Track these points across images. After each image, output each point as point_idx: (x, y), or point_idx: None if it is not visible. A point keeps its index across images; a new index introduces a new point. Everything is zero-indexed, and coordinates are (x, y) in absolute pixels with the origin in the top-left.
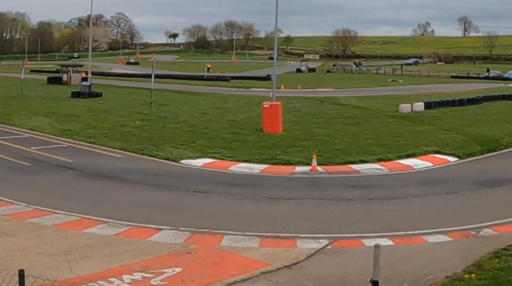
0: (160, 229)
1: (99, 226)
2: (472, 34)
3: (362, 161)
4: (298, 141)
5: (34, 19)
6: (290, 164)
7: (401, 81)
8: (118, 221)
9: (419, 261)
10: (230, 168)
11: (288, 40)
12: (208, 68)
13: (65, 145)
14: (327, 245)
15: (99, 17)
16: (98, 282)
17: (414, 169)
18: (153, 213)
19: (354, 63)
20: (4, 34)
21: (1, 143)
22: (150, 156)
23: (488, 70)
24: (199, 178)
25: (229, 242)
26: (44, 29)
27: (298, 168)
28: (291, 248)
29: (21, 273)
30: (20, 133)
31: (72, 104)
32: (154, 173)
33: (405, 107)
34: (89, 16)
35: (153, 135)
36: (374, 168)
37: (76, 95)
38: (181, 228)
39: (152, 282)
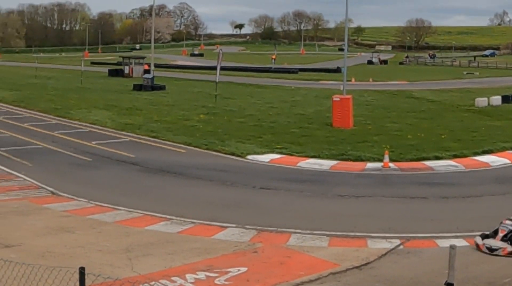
0: (225, 227)
1: (162, 223)
2: None
3: (436, 158)
4: (369, 136)
5: (95, 10)
6: (361, 160)
7: (477, 73)
8: (181, 218)
9: (495, 263)
10: (298, 164)
11: (359, 30)
12: (274, 59)
13: (127, 140)
14: (399, 245)
15: (161, 7)
16: (160, 281)
17: (491, 166)
18: (217, 210)
19: (428, 55)
20: (64, 25)
21: (61, 138)
22: (215, 151)
23: None
24: (266, 174)
25: (297, 241)
26: (105, 20)
27: (369, 165)
28: (362, 248)
29: (82, 271)
30: (81, 127)
31: (134, 97)
32: (219, 169)
33: (481, 101)
34: (151, 7)
35: (218, 130)
36: (449, 164)
37: (138, 88)
38: (247, 226)
39: (216, 281)
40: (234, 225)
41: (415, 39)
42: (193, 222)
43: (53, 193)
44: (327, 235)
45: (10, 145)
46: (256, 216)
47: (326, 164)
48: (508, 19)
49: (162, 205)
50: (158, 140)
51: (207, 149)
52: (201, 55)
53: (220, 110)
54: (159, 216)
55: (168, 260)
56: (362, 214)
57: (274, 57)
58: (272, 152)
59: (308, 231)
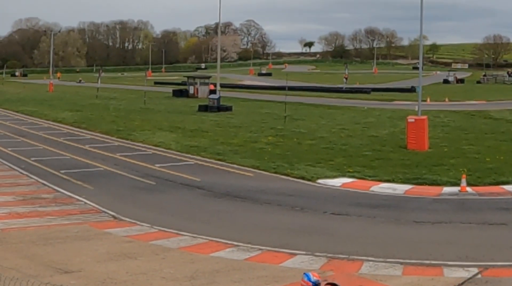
0: (294, 254)
1: (228, 250)
2: None
3: None
4: (446, 159)
5: (158, 28)
6: (437, 184)
7: None
8: (248, 245)
9: None
10: (371, 188)
11: (434, 47)
12: (346, 79)
13: (192, 163)
14: (477, 274)
15: (227, 25)
16: None
17: None
18: (286, 237)
19: (507, 73)
20: (126, 44)
21: (124, 160)
22: (284, 175)
23: None
24: (337, 199)
25: (369, 269)
26: (169, 38)
27: (446, 189)
28: (437, 277)
29: None
30: (144, 149)
31: (200, 119)
32: (288, 193)
33: None
34: (217, 24)
35: (287, 152)
36: None
37: (204, 108)
38: (317, 253)
39: None
40: (303, 252)
41: (493, 56)
42: (260, 249)
43: (114, 217)
44: (401, 263)
45: (70, 167)
46: (327, 242)
47: (400, 188)
48: None
49: (228, 230)
50: (225, 163)
51: (276, 172)
52: (269, 74)
53: (289, 132)
54: (225, 242)
55: None
56: (438, 241)
57: (346, 76)
58: (344, 176)
59: (381, 259)
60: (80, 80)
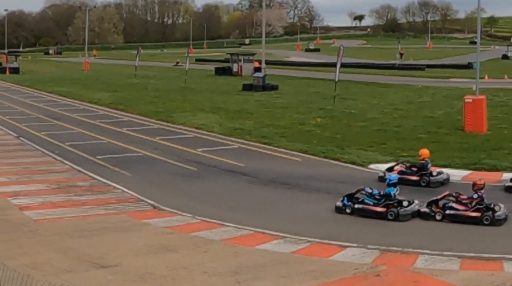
0: (345, 247)
1: (274, 242)
2: None
3: None
4: (506, 143)
5: (199, 2)
6: (497, 169)
7: None
8: (296, 236)
9: None
10: None
11: (492, 21)
12: (401, 55)
13: (236, 146)
14: None
15: None
16: None
17: None
18: (336, 228)
19: None
20: (166, 19)
21: (163, 144)
22: (334, 159)
23: None
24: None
25: (425, 264)
26: (211, 12)
27: (506, 175)
28: (497, 272)
29: None
30: (185, 132)
31: (244, 99)
32: (338, 180)
33: None
34: None
35: (337, 135)
36: None
37: (248, 88)
38: (369, 246)
39: None
40: (354, 245)
41: None
42: (309, 241)
43: (154, 207)
44: (459, 257)
45: (107, 152)
46: (379, 234)
47: (457, 174)
48: None
49: (275, 221)
50: (271, 147)
51: (325, 157)
52: (317, 50)
53: (339, 113)
54: (271, 233)
55: (281, 284)
56: (497, 233)
57: (402, 51)
58: (397, 160)
59: (437, 252)
60: (177, 62)
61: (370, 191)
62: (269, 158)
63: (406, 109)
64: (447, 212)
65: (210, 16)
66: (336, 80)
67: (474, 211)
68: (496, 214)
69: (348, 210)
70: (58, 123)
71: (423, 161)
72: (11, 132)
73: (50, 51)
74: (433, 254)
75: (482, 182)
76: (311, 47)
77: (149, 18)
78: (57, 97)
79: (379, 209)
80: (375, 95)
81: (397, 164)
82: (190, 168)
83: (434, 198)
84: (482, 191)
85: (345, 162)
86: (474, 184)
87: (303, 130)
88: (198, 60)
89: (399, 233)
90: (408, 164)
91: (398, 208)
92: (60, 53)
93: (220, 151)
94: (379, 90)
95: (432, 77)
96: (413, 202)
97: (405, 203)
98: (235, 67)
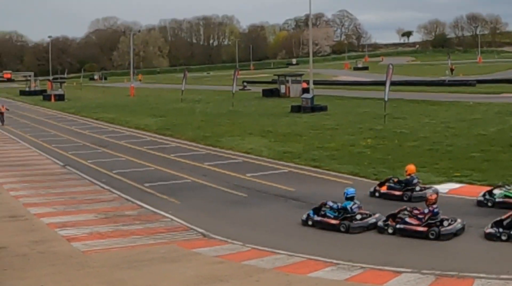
0: (399, 272)
1: (327, 269)
2: None
3: None
4: None
5: (244, 23)
6: None
7: None
8: (349, 263)
9: None
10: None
11: None
12: (452, 70)
13: (285, 170)
14: None
15: (319, 16)
16: None
17: None
18: (391, 253)
19: None
20: (211, 41)
21: (212, 170)
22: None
23: None
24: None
25: None
26: (256, 33)
27: None
28: None
29: None
30: (233, 157)
31: (292, 121)
32: (391, 203)
33: None
34: (307, 16)
35: (388, 156)
36: None
37: (297, 109)
38: (424, 271)
39: None
40: (409, 270)
41: None
42: (362, 267)
43: (204, 235)
44: None
45: (155, 180)
46: (435, 258)
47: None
48: None
49: (327, 247)
50: (321, 170)
51: (377, 179)
52: (365, 68)
53: (389, 132)
54: (324, 260)
55: None
56: None
57: (452, 67)
58: (450, 181)
59: (494, 276)
60: (245, 86)
61: (331, 204)
62: (319, 182)
63: (457, 127)
64: (397, 226)
65: (256, 37)
66: (386, 99)
67: (424, 226)
68: (443, 229)
69: (310, 222)
70: (104, 150)
71: (408, 177)
72: (58, 161)
73: (95, 77)
74: (489, 278)
75: (433, 196)
76: (359, 65)
77: (194, 41)
78: (103, 124)
79: (333, 221)
80: (425, 113)
81: (387, 180)
82: (239, 194)
83: (392, 212)
84: (435, 206)
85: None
86: (426, 199)
87: (353, 152)
88: (243, 82)
89: (454, 257)
90: (396, 180)
91: (351, 222)
92: (105, 78)
93: (269, 175)
94: (430, 108)
95: (484, 92)
96: (369, 216)
97: (358, 217)
98: (282, 89)
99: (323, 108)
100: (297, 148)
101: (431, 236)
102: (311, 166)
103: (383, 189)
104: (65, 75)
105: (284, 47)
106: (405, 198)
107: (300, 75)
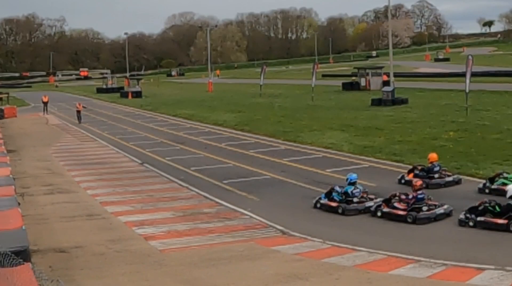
0: (482, 269)
1: (409, 266)
2: None
3: None
4: None
5: (323, 15)
6: None
7: None
8: (431, 260)
9: None
10: None
11: None
12: None
13: (366, 165)
14: None
15: (398, 7)
16: None
17: None
18: (473, 249)
19: None
20: (290, 34)
21: (291, 166)
22: (469, 175)
23: None
24: None
25: None
26: (335, 25)
27: None
28: None
29: None
30: (313, 152)
31: (373, 114)
32: (473, 197)
33: None
34: (386, 7)
35: (471, 149)
36: None
37: (377, 102)
38: (508, 268)
39: None
40: (492, 267)
41: None
42: (444, 264)
43: (283, 232)
44: None
45: (233, 176)
46: None
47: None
48: None
49: (409, 243)
50: (402, 165)
51: (459, 173)
52: (446, 59)
53: (472, 125)
54: (405, 257)
55: None
56: None
57: None
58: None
59: None
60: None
61: (337, 189)
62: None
63: None
64: (384, 210)
65: (335, 29)
66: (467, 90)
67: (408, 210)
68: (421, 213)
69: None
70: (182, 147)
71: (429, 165)
72: (135, 159)
73: (173, 73)
74: None
75: (418, 183)
76: (440, 56)
77: (272, 34)
78: (181, 120)
79: (333, 204)
80: (509, 105)
81: (414, 168)
82: (318, 190)
83: (387, 197)
84: (419, 191)
85: (480, 178)
86: (412, 185)
87: (435, 145)
88: (324, 76)
89: None
90: (419, 168)
91: (345, 205)
92: (182, 74)
93: (350, 171)
94: None
95: None
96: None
97: (355, 200)
98: (362, 82)
99: (404, 101)
100: (378, 142)
101: (408, 220)
102: (392, 160)
103: (410, 177)
104: (142, 72)
105: (363, 40)
106: (423, 186)
107: (381, 67)
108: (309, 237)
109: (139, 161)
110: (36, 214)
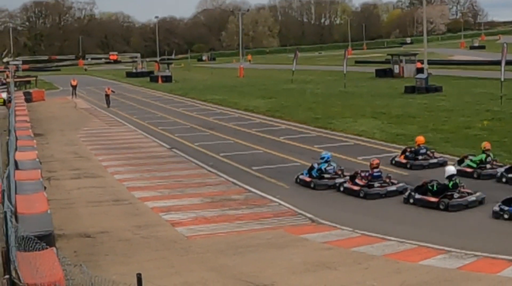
0: None
1: (439, 257)
2: None
3: None
4: None
5: (357, 1)
6: None
7: None
8: (462, 251)
9: None
10: None
11: None
12: None
13: (398, 154)
14: None
15: None
16: None
17: None
18: (505, 241)
19: None
20: (323, 20)
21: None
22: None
23: None
24: None
25: None
26: (369, 11)
27: None
28: None
29: None
30: (345, 139)
31: (406, 102)
32: (507, 188)
33: None
34: None
35: (505, 139)
36: None
37: (411, 90)
38: None
39: None
40: None
41: None
42: (475, 255)
43: (312, 220)
44: None
45: (263, 163)
46: None
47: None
48: None
49: (440, 233)
50: (435, 154)
51: None
52: (482, 47)
53: (506, 114)
54: (436, 247)
55: None
56: None
57: None
58: None
59: None
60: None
61: (315, 166)
62: (433, 166)
63: None
64: (345, 185)
65: (369, 15)
66: (502, 79)
67: (364, 186)
68: (371, 189)
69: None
70: (212, 133)
71: (416, 147)
72: (164, 144)
73: (204, 58)
74: None
75: (375, 162)
76: (476, 44)
77: (305, 20)
78: (211, 106)
79: (307, 179)
80: None
81: (405, 150)
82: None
83: (351, 174)
84: (376, 169)
85: None
86: (370, 163)
87: (469, 135)
88: (357, 62)
89: None
90: (409, 150)
91: (316, 180)
92: (214, 59)
93: (382, 159)
94: None
95: None
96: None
97: (326, 176)
98: (396, 69)
99: (438, 89)
100: (411, 130)
101: (360, 195)
102: None
103: (401, 158)
104: (173, 56)
105: (397, 26)
106: (408, 166)
107: (415, 54)
108: (338, 226)
109: (168, 146)
110: (62, 198)
